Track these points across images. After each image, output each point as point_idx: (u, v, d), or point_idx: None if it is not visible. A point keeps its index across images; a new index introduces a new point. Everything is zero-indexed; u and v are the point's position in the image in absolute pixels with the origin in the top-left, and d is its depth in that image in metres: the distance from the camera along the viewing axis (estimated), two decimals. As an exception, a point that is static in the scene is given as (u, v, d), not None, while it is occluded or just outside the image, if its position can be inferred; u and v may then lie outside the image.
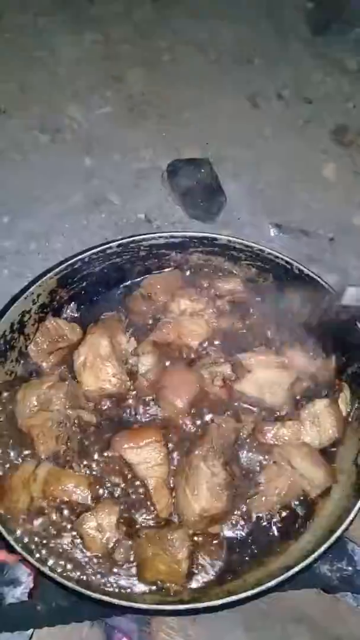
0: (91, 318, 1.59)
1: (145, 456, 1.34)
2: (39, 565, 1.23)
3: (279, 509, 1.37)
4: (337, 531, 1.25)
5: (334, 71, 3.07)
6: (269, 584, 1.21)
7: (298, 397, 1.50)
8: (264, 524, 1.36)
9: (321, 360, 1.56)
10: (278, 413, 1.47)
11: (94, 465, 1.36)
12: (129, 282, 1.73)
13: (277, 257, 1.60)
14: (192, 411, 1.44)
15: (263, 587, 1.20)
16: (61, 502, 1.31)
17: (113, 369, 1.45)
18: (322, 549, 1.24)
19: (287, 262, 1.59)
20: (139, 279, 1.72)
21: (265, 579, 1.23)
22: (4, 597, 1.52)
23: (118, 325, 1.56)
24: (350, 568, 1.41)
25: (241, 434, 1.41)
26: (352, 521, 1.27)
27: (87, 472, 1.35)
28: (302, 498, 1.39)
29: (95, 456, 1.37)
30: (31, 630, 1.46)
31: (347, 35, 3.24)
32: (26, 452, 1.37)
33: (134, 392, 1.48)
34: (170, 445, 1.39)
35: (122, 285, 1.72)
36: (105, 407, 1.46)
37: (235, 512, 1.34)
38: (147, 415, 1.46)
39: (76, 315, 1.64)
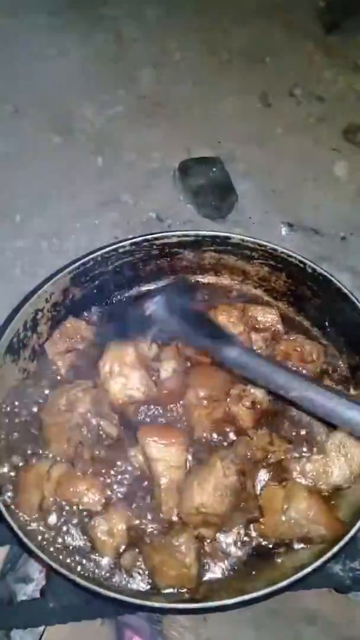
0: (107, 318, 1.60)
1: (167, 455, 1.32)
2: (52, 562, 1.23)
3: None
4: (351, 531, 1.24)
5: (346, 69, 3.07)
6: (281, 584, 1.20)
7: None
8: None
9: (353, 392, 1.50)
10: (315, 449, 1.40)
11: (105, 471, 1.36)
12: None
13: (290, 256, 1.60)
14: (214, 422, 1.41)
15: (275, 587, 1.19)
16: (72, 504, 1.31)
17: (140, 376, 1.43)
18: (335, 549, 1.22)
19: (300, 261, 1.59)
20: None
21: (277, 579, 1.22)
22: (16, 595, 1.53)
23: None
24: (363, 568, 1.40)
25: (269, 456, 1.38)
26: (365, 521, 1.26)
27: (98, 476, 1.34)
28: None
29: (108, 464, 1.36)
30: (42, 627, 1.47)
31: (359, 34, 3.23)
32: (43, 451, 1.38)
33: (157, 398, 1.45)
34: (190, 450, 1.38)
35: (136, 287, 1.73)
36: (131, 416, 1.43)
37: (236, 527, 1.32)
38: (168, 419, 1.43)
39: (94, 317, 1.64)
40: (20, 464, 1.36)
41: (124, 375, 1.42)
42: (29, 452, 1.38)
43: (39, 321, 1.52)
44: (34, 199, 2.42)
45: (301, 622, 1.50)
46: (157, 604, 1.21)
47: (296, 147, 2.71)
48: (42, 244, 2.31)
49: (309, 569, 1.21)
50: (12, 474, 1.35)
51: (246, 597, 1.19)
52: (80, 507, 1.31)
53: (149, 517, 1.32)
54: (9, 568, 1.59)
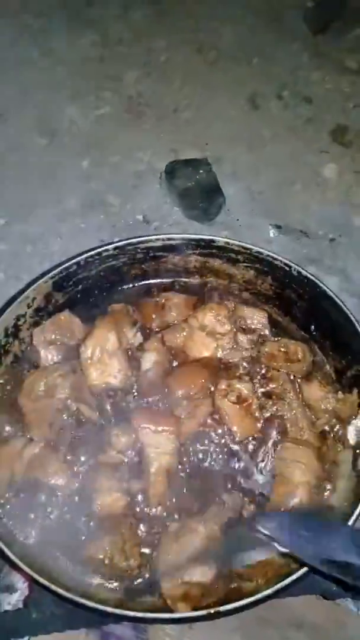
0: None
1: (159, 441, 1.34)
2: (34, 573, 1.21)
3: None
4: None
5: (334, 71, 3.04)
6: (267, 592, 1.19)
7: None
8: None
9: (340, 395, 1.48)
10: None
11: (79, 460, 1.36)
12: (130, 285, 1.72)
13: (275, 259, 1.59)
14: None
15: (260, 596, 1.18)
16: (40, 485, 1.31)
17: (119, 364, 1.43)
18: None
19: (285, 264, 1.58)
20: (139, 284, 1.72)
21: (263, 587, 1.21)
22: (1, 604, 1.51)
23: (125, 318, 1.55)
24: (349, 574, 1.38)
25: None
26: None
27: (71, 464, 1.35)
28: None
29: (83, 454, 1.37)
30: (26, 637, 1.45)
31: (347, 35, 3.21)
32: (20, 432, 1.39)
33: (136, 388, 1.47)
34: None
35: (119, 288, 1.71)
36: (108, 403, 1.44)
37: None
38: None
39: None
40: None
41: (104, 362, 1.42)
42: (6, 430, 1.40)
43: (21, 327, 1.50)
44: (19, 202, 2.40)
45: (289, 630, 1.49)
46: (140, 614, 1.19)
47: (284, 149, 2.70)
48: (27, 247, 2.29)
49: (294, 577, 1.20)
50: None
51: (230, 606, 1.17)
52: (50, 490, 1.31)
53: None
54: (-8, 578, 1.56)
